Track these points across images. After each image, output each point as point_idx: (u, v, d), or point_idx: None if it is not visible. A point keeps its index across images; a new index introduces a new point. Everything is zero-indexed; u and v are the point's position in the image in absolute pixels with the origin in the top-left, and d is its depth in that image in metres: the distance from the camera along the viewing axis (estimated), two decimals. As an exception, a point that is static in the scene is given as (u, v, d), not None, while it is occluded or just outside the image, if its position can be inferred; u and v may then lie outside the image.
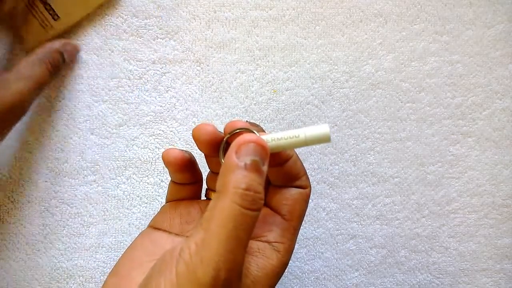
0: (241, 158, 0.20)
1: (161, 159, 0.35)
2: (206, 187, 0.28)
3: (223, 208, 0.19)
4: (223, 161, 0.23)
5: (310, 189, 0.25)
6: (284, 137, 0.22)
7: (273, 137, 0.22)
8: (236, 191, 0.19)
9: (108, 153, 0.36)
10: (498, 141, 0.38)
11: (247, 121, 0.25)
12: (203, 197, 0.28)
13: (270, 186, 0.25)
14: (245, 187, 0.20)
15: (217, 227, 0.19)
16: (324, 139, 0.22)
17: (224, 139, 0.23)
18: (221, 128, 0.24)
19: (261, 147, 0.21)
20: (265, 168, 0.21)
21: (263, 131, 0.24)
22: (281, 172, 0.24)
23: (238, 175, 0.20)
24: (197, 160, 0.27)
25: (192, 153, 0.26)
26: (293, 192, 0.24)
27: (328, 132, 0.22)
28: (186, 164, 0.25)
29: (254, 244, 0.23)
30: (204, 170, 0.27)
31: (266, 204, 0.25)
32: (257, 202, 0.20)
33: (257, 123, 0.25)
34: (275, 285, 0.23)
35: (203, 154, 0.25)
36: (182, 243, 0.21)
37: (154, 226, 0.26)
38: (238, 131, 0.23)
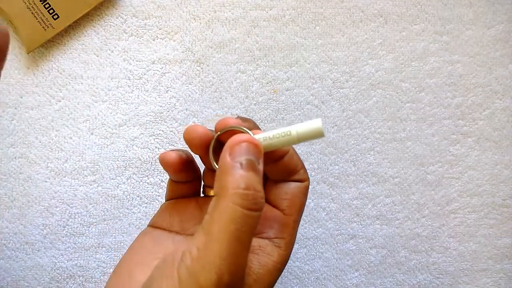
0: (235, 159, 0.20)
1: (161, 159, 0.35)
2: (203, 183, 0.28)
3: (224, 211, 0.19)
4: (213, 161, 0.23)
5: (309, 181, 0.25)
6: (276, 135, 0.21)
7: (265, 137, 0.22)
8: (236, 191, 0.19)
9: (108, 153, 0.36)
10: (498, 141, 0.38)
11: (238, 116, 0.24)
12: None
13: (268, 181, 0.25)
14: (244, 187, 0.19)
15: (218, 231, 0.19)
16: (317, 135, 0.21)
17: (215, 136, 0.23)
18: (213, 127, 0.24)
19: (254, 145, 0.21)
20: (260, 167, 0.21)
21: (257, 126, 0.24)
22: (279, 167, 0.24)
23: (236, 176, 0.19)
24: (195, 157, 0.26)
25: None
26: (291, 186, 0.24)
27: (321, 127, 0.21)
28: (183, 165, 0.25)
29: (254, 242, 0.23)
30: (203, 166, 0.27)
31: (265, 200, 0.25)
32: (258, 201, 0.19)
33: (252, 119, 0.25)
34: (277, 280, 0.23)
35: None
36: (184, 246, 0.20)
37: (154, 225, 0.26)
38: (229, 129, 0.23)
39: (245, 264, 0.20)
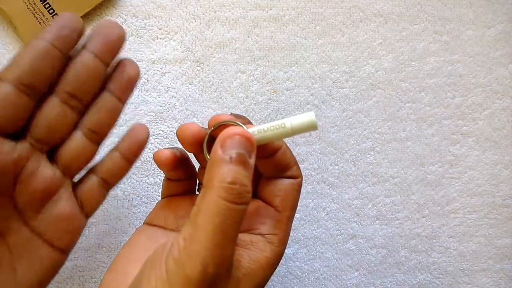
0: (226, 152, 0.20)
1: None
2: (198, 181, 0.28)
3: (209, 203, 0.19)
4: (207, 155, 0.23)
5: (302, 178, 0.25)
6: (270, 128, 0.21)
7: (259, 129, 0.22)
8: (221, 185, 0.19)
9: (108, 153, 0.36)
10: (498, 141, 0.38)
11: (231, 113, 0.24)
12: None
13: (261, 177, 0.25)
14: (230, 181, 0.19)
15: (203, 222, 0.19)
16: (311, 127, 0.21)
17: (208, 132, 0.23)
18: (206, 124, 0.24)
19: (246, 139, 0.20)
20: (251, 160, 0.21)
21: (250, 122, 0.24)
22: (272, 163, 0.24)
23: (224, 169, 0.19)
24: (190, 155, 0.26)
25: None
26: (284, 183, 0.24)
27: (314, 120, 0.21)
28: (178, 163, 0.25)
29: (247, 237, 0.23)
30: (198, 164, 0.27)
31: (258, 196, 0.25)
32: (243, 195, 0.20)
33: (244, 116, 0.25)
34: (270, 276, 0.23)
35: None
36: (173, 238, 0.21)
37: (149, 222, 0.26)
38: (222, 123, 0.23)
39: (231, 256, 0.20)
